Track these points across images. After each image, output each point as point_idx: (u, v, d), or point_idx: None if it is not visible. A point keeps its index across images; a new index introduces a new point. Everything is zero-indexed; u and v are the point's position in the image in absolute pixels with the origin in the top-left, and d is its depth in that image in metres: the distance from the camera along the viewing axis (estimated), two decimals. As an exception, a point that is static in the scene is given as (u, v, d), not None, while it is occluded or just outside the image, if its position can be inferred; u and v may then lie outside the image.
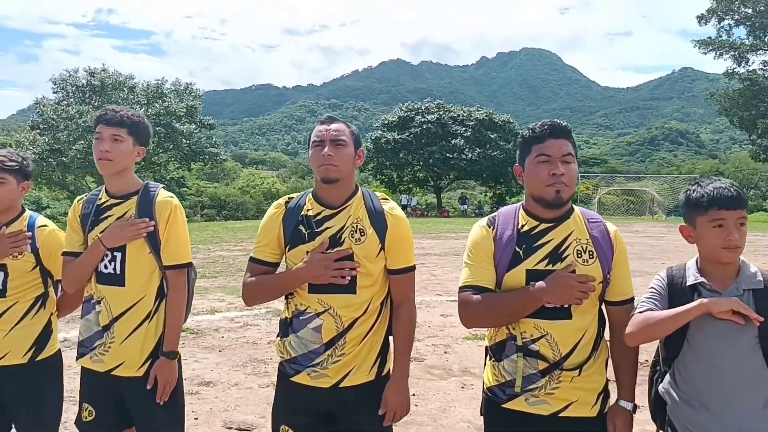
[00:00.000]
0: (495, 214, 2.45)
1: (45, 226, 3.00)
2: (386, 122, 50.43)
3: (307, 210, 2.52)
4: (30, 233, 2.91)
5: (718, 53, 44.55)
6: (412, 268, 2.58)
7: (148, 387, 2.70)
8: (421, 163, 48.09)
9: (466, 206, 48.27)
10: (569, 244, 2.28)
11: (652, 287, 2.28)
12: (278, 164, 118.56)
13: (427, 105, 50.39)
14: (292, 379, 2.50)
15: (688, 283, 2.22)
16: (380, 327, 2.53)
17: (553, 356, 2.25)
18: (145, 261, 2.73)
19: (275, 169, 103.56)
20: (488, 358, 2.45)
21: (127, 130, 2.74)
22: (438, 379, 5.92)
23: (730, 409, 2.11)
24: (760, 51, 44.11)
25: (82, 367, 2.81)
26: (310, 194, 2.58)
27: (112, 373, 2.72)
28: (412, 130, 47.46)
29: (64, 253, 2.81)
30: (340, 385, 2.45)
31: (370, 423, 2.49)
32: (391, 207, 2.55)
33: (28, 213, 3.01)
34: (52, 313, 3.02)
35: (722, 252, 2.12)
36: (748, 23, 43.59)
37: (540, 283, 2.19)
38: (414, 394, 5.44)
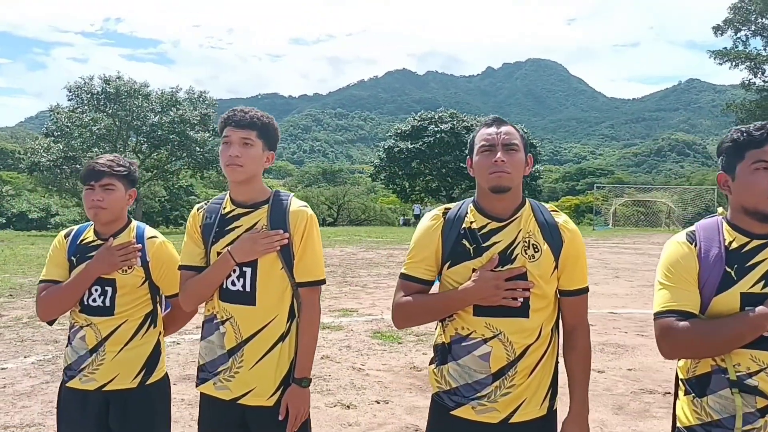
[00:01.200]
0: (692, 228, 2.14)
1: (155, 237, 2.77)
2: (399, 131, 50.33)
3: (470, 222, 2.25)
4: (140, 245, 2.69)
5: (734, 64, 44.39)
6: (587, 289, 2.31)
7: (280, 418, 2.43)
8: (434, 173, 48.02)
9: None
10: None
11: None
12: (284, 173, 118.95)
13: (440, 114, 50.28)
14: (452, 412, 2.22)
15: None
16: (551, 355, 2.26)
17: None
18: (277, 277, 2.45)
19: (281, 177, 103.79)
20: (682, 391, 2.13)
21: (257, 133, 2.47)
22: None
23: None
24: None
25: (202, 394, 2.54)
26: (470, 204, 2.31)
27: (240, 401, 2.44)
28: (425, 139, 47.35)
29: (182, 267, 2.55)
30: (510, 421, 2.18)
31: None
32: (564, 220, 2.29)
33: (134, 223, 2.79)
34: (160, 332, 2.80)
35: None
36: (765, 34, 43.42)
37: (761, 308, 1.88)
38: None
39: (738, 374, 1.96)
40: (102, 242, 2.67)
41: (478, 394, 2.19)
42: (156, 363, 2.74)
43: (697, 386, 2.06)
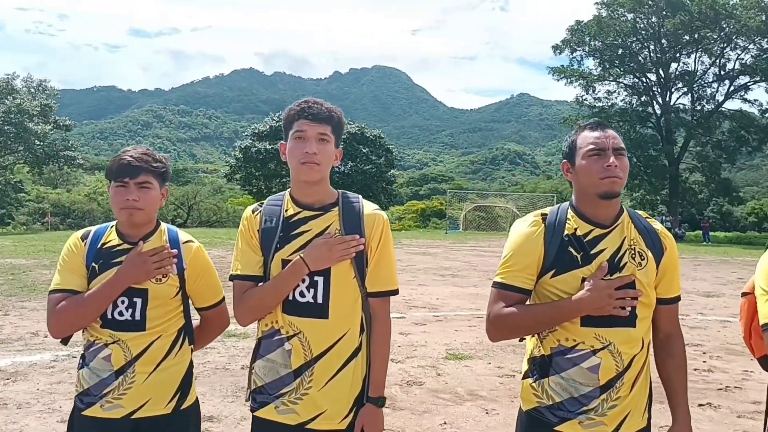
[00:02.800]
0: None
1: (191, 242, 2.49)
2: (257, 131, 49.37)
3: (573, 228, 2.17)
4: (175, 250, 2.39)
5: (569, 81, 48.22)
6: (680, 296, 2.29)
7: None
8: (292, 175, 47.26)
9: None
10: None
11: None
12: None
13: (299, 116, 49.59)
14: (557, 428, 2.13)
15: None
16: (648, 365, 2.23)
17: None
18: (350, 287, 2.24)
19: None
20: None
21: (332, 128, 2.26)
22: (453, 404, 5.56)
23: None
24: (605, 81, 48.38)
25: (258, 419, 2.27)
26: (568, 209, 2.22)
27: (308, 426, 2.21)
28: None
29: (238, 277, 2.27)
30: None
31: None
32: (661, 228, 2.27)
33: (164, 226, 2.49)
34: (191, 349, 2.50)
35: None
36: (597, 55, 47.65)
37: None
38: (445, 423, 5.06)
39: None
40: (130, 246, 2.34)
41: (585, 408, 2.12)
42: (190, 384, 2.46)
43: None
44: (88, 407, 2.30)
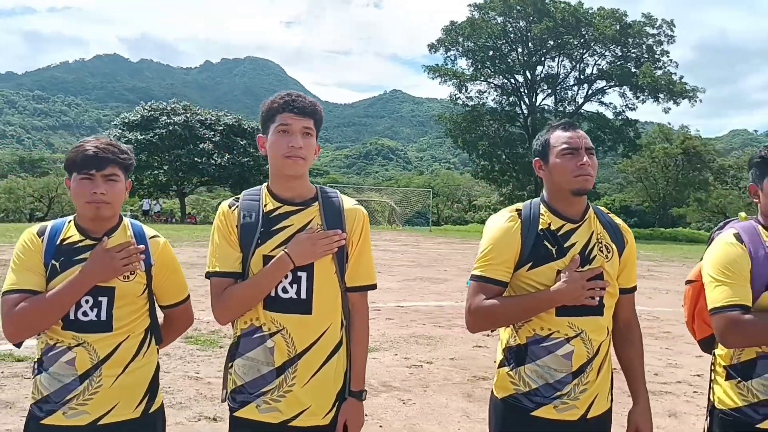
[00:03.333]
0: (735, 231, 2.33)
1: (157, 237, 2.41)
2: (127, 121, 46.98)
3: (547, 223, 2.30)
4: (142, 246, 2.30)
5: (443, 79, 49.78)
6: (636, 287, 2.48)
7: None
8: (166, 167, 45.62)
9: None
10: None
11: None
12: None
13: (173, 106, 48.19)
14: (533, 413, 2.25)
15: None
16: (610, 351, 2.39)
17: None
18: (332, 282, 2.25)
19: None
20: (722, 377, 2.36)
21: (314, 122, 2.26)
22: (370, 396, 5.69)
23: None
24: (477, 81, 50.40)
25: (238, 419, 2.24)
26: (540, 205, 2.35)
27: (291, 423, 2.19)
28: (156, 131, 44.88)
29: (215, 275, 2.22)
30: (587, 417, 2.28)
31: None
32: (622, 222, 2.45)
33: (127, 220, 2.40)
34: (157, 349, 2.44)
35: None
36: (470, 56, 49.52)
37: None
38: (367, 415, 5.22)
39: None
40: (93, 243, 2.22)
41: (559, 393, 2.25)
42: (158, 386, 2.38)
43: (743, 371, 2.27)
44: (48, 415, 2.16)
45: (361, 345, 2.34)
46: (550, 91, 51.44)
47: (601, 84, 50.50)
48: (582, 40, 47.98)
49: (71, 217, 2.30)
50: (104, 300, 2.18)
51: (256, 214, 2.23)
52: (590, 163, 2.28)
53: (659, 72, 46.72)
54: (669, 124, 59.08)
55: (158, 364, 2.40)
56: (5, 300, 2.14)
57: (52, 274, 2.17)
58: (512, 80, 51.18)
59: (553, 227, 2.29)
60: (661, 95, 46.75)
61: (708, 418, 2.43)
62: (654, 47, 47.85)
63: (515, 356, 2.31)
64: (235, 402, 2.23)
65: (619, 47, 48.16)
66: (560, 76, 50.79)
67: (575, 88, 51.55)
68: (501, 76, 50.66)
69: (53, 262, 2.18)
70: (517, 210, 2.35)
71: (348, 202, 2.34)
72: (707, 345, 2.54)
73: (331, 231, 2.22)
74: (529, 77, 50.58)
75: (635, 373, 2.43)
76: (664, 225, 55.12)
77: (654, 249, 28.66)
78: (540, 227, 2.28)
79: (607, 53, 49.10)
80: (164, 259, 2.37)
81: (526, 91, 51.17)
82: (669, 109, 47.71)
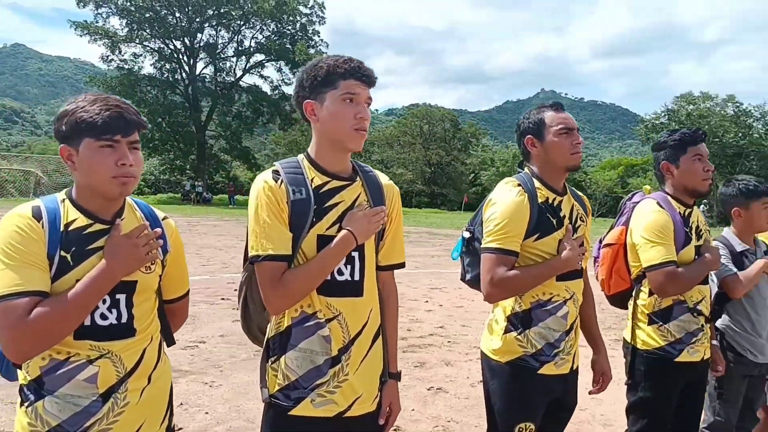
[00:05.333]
0: (656, 200, 2.82)
1: (168, 217, 2.07)
2: None
3: (544, 197, 2.47)
4: (158, 229, 1.89)
5: (93, 38, 45.60)
6: None
7: (381, 421, 2.14)
8: None
9: None
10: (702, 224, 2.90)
11: (723, 255, 3.05)
12: None
13: None
14: (539, 372, 2.44)
15: (738, 251, 3.14)
16: None
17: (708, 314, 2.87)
18: (373, 262, 2.10)
19: None
20: (645, 323, 2.83)
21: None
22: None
23: (766, 330, 3.10)
24: (132, 43, 47.34)
25: (294, 417, 2.00)
26: (533, 179, 2.50)
27: (346, 414, 2.02)
28: None
29: (271, 258, 1.92)
30: (574, 368, 2.56)
31: (575, 403, 2.63)
32: (581, 194, 2.71)
33: (129, 199, 1.96)
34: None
35: None
36: (124, 15, 46.08)
37: (707, 257, 2.77)
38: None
39: (694, 303, 2.79)
40: (105, 227, 1.80)
41: (557, 351, 2.47)
42: (173, 396, 2.05)
43: (663, 316, 2.79)
44: None
45: (395, 325, 2.23)
46: (210, 60, 50.92)
47: (259, 57, 51.79)
48: (241, 12, 48.45)
49: (62, 195, 1.83)
50: (122, 298, 1.80)
51: (306, 190, 1.98)
52: (582, 142, 2.52)
53: (312, 51, 49.75)
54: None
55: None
56: (10, 307, 1.63)
57: (62, 268, 1.72)
58: (171, 45, 49.32)
59: (549, 200, 2.48)
60: (315, 73, 49.85)
61: (629, 357, 2.90)
62: (307, 26, 50.74)
63: (522, 321, 2.46)
64: (289, 399, 2.00)
65: (275, 23, 49.89)
66: (219, 46, 50.62)
67: (234, 59, 51.97)
68: (159, 40, 48.43)
69: (62, 253, 1.73)
70: (518, 184, 2.46)
71: (384, 178, 2.20)
72: (618, 299, 3.01)
73: (377, 207, 2.06)
74: (189, 44, 49.34)
75: (593, 327, 2.74)
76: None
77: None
78: (539, 200, 2.44)
79: (264, 28, 50.46)
80: (177, 244, 2.04)
81: (185, 58, 49.83)
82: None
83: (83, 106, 1.73)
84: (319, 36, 51.27)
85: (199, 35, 49.79)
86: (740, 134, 51.08)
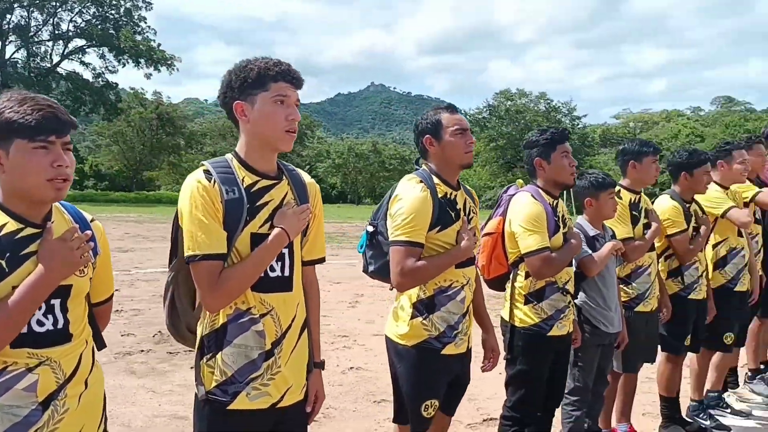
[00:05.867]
0: (530, 193, 3.12)
1: (95, 219, 1.99)
2: None
3: (443, 192, 2.71)
4: (89, 232, 1.84)
5: None
6: None
7: (308, 408, 2.22)
8: None
9: None
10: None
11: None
12: None
13: None
14: (442, 352, 2.68)
15: (591, 235, 3.51)
16: None
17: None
18: (299, 257, 2.17)
19: None
20: (521, 302, 3.14)
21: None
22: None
23: (614, 304, 3.53)
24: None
25: (232, 411, 2.02)
26: (432, 176, 2.72)
27: (279, 405, 2.07)
28: None
29: (207, 257, 1.93)
30: (469, 346, 2.83)
31: (468, 380, 2.94)
32: (469, 188, 2.98)
33: (56, 202, 1.93)
34: None
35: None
36: None
37: (572, 242, 3.18)
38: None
39: (563, 283, 3.15)
40: (36, 231, 1.73)
41: (456, 332, 2.73)
42: (106, 399, 2.01)
43: (537, 296, 3.11)
44: None
45: (318, 317, 2.31)
46: (21, 43, 46.70)
47: (80, 43, 48.43)
48: (57, -7, 44.96)
49: None
50: (57, 303, 1.75)
51: (238, 189, 1.99)
52: (474, 142, 2.80)
53: (139, 37, 47.43)
54: (142, 89, 60.04)
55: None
56: None
57: None
58: (-25, 26, 44.58)
59: (447, 195, 2.72)
60: (142, 60, 47.61)
61: (508, 335, 3.21)
62: (132, 11, 48.22)
63: (426, 307, 2.68)
64: (227, 394, 2.01)
65: (96, 6, 46.94)
66: (33, 29, 46.66)
67: (50, 43, 48.16)
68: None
69: None
70: (420, 181, 2.67)
71: (306, 176, 2.24)
72: (496, 283, 3.31)
73: (304, 205, 2.10)
74: (-3, 25, 44.90)
75: (482, 310, 3.02)
76: (138, 188, 56.13)
77: (134, 210, 29.51)
78: (439, 195, 2.66)
79: (84, 11, 47.27)
80: (105, 246, 1.98)
81: (-6, 40, 45.29)
82: (150, 74, 49.04)
83: (11, 107, 1.65)
84: (145, 22, 49.01)
85: (8, 16, 45.52)
86: (551, 128, 56.07)
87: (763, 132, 5.28)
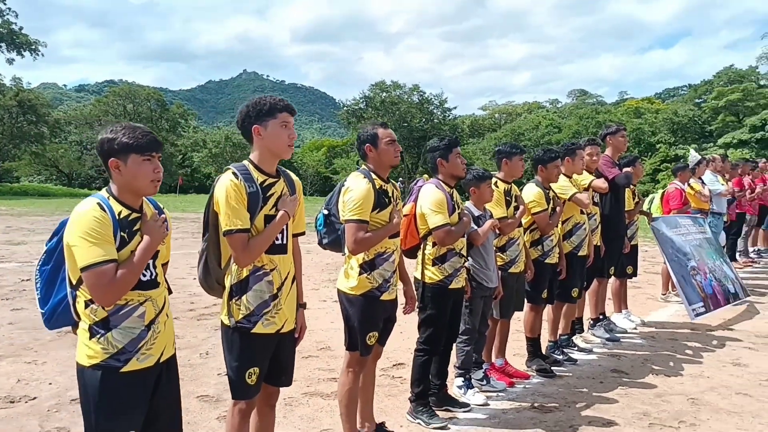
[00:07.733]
0: (433, 183, 4.24)
1: (164, 207, 2.85)
2: None
3: (379, 184, 3.65)
4: (164, 215, 2.71)
5: None
6: None
7: (297, 335, 3.18)
8: None
9: None
10: None
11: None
12: None
13: None
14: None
15: (476, 215, 4.57)
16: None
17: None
18: (290, 231, 3.09)
19: None
20: (431, 265, 4.17)
21: None
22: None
23: (493, 266, 4.70)
24: None
25: (254, 334, 2.93)
26: (372, 174, 3.67)
27: (281, 331, 3.01)
28: None
29: (241, 230, 2.82)
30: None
31: (395, 319, 3.87)
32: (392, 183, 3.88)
33: None
34: None
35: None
36: None
37: (465, 220, 4.28)
38: None
39: (459, 249, 4.20)
40: (138, 215, 2.57)
41: (389, 284, 3.70)
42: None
43: (441, 259, 4.18)
44: (125, 364, 2.48)
45: (300, 272, 3.22)
46: None
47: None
48: None
49: (105, 193, 2.55)
50: (150, 262, 2.56)
51: (255, 185, 2.89)
52: (400, 149, 3.81)
53: (0, 20, 44.36)
54: (1, 76, 55.71)
55: None
56: (103, 271, 2.37)
57: (121, 244, 2.46)
58: None
59: (382, 187, 3.66)
60: (3, 45, 44.58)
61: (420, 290, 4.21)
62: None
63: (369, 266, 3.64)
64: (250, 323, 2.92)
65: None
66: None
67: None
68: None
69: (121, 233, 2.47)
70: (364, 177, 3.62)
71: (292, 174, 3.18)
72: (411, 252, 4.34)
73: (294, 195, 3.05)
74: None
75: (402, 269, 3.97)
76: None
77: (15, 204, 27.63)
78: (377, 187, 3.61)
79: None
80: (170, 225, 2.75)
81: None
82: (13, 60, 45.99)
83: (126, 133, 2.49)
84: (5, 4, 45.76)
85: None
86: (424, 119, 58.62)
87: (600, 134, 6.79)
